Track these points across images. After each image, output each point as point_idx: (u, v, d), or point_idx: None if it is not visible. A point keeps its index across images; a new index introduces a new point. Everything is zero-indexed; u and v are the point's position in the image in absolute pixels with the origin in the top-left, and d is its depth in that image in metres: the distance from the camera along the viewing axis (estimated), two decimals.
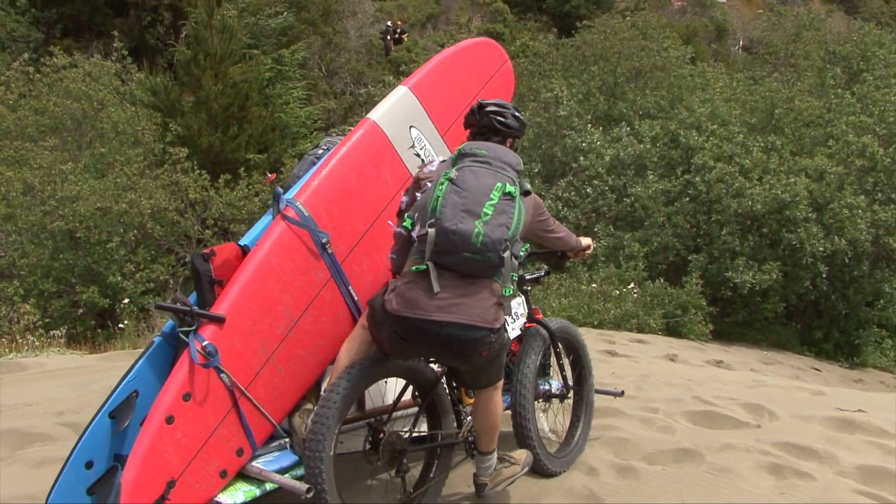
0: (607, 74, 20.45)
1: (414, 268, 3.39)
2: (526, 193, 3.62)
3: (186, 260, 12.90)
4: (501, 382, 3.76)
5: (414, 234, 3.52)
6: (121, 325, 10.42)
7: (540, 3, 34.67)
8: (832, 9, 37.38)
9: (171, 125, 14.50)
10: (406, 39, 29.68)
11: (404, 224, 3.63)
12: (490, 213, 3.34)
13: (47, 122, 15.13)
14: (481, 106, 3.90)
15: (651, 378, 7.10)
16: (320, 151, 4.76)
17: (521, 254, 3.84)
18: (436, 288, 3.31)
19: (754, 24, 34.80)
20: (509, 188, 3.42)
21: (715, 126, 16.96)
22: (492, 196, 3.37)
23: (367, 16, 29.79)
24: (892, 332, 16.95)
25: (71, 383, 5.89)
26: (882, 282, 15.78)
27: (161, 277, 12.14)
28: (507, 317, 3.74)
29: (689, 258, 15.66)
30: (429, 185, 3.69)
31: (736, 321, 15.94)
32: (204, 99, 14.85)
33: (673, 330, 13.71)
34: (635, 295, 13.77)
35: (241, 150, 14.84)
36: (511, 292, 3.61)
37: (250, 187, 13.54)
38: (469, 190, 3.38)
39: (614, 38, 21.63)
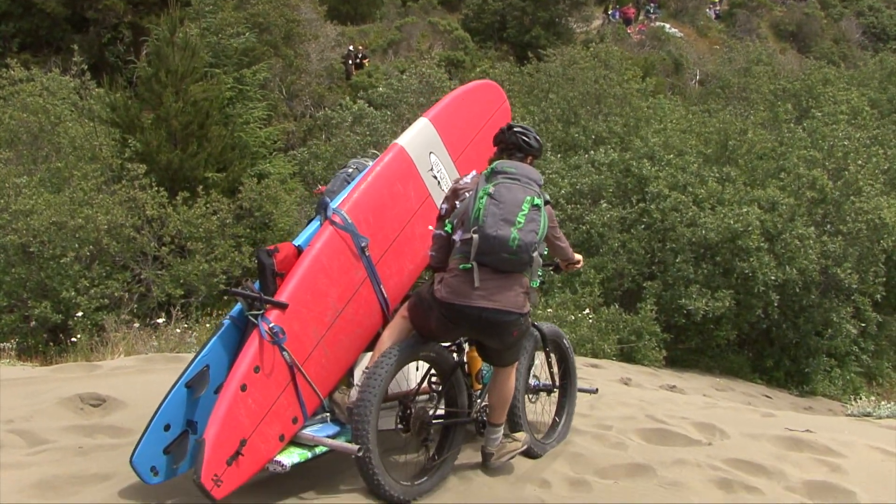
0: (562, 99, 20.67)
1: (461, 266, 4.15)
2: (546, 203, 4.33)
3: (142, 277, 12.77)
4: (517, 363, 4.63)
5: (456, 238, 4.32)
6: (73, 339, 10.26)
7: (500, 33, 35.12)
8: (786, 46, 38.30)
9: (129, 141, 14.36)
10: (367, 64, 29.81)
11: (445, 228, 4.43)
12: (522, 221, 4.11)
13: (2, 134, 14.93)
14: (510, 127, 4.65)
15: (605, 398, 7.16)
16: (350, 170, 5.42)
17: (545, 253, 4.50)
18: (476, 283, 4.10)
19: (708, 59, 35.52)
20: (536, 200, 4.20)
21: (671, 156, 17.24)
22: (523, 207, 4.14)
23: (329, 40, 29.85)
24: (840, 362, 17.25)
25: (21, 393, 5.79)
26: (830, 311, 16.07)
27: (116, 293, 11.99)
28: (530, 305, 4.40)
29: (644, 285, 15.84)
30: (466, 195, 4.40)
31: (689, 348, 16.13)
32: (164, 116, 14.71)
33: (627, 356, 13.83)
34: (590, 321, 13.87)
35: (199, 168, 14.69)
36: (537, 284, 4.43)
37: (208, 205, 13.46)
38: (505, 202, 4.14)
39: (575, 68, 21.94)
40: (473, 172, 4.67)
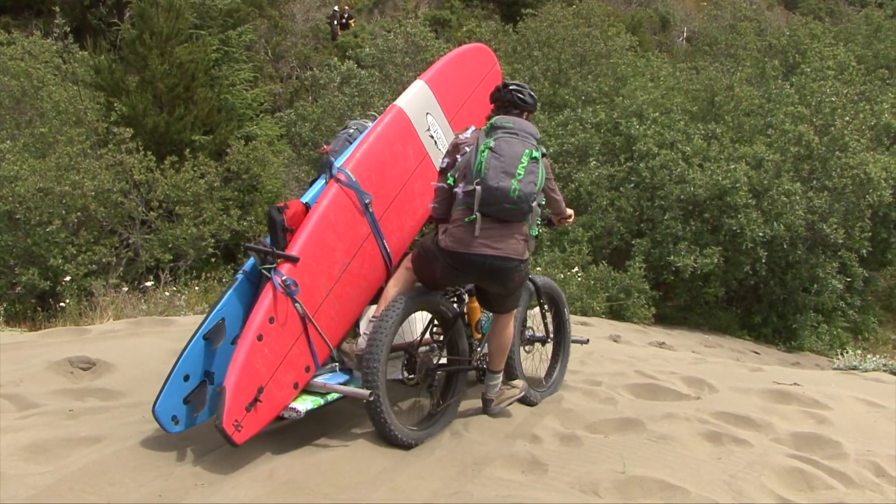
0: (551, 60, 20.59)
1: (466, 219, 4.39)
2: (543, 156, 4.54)
3: (130, 241, 12.71)
4: (515, 311, 4.86)
5: (458, 190, 4.53)
6: (62, 305, 10.22)
7: None
8: (773, 2, 38.00)
9: (115, 105, 14.19)
10: (353, 25, 29.43)
11: (447, 181, 4.64)
12: (522, 173, 4.35)
13: None
14: (505, 85, 4.84)
15: (595, 355, 7.23)
16: (351, 130, 5.60)
17: (542, 203, 4.76)
18: (477, 232, 4.35)
19: (695, 16, 35.24)
20: (534, 153, 4.44)
21: (657, 114, 17.19)
22: (522, 160, 4.38)
23: (314, 0, 29.46)
24: (827, 317, 17.39)
25: (10, 358, 5.78)
26: (817, 267, 16.17)
27: (104, 259, 11.93)
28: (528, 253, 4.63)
29: (633, 243, 15.88)
30: (467, 149, 4.62)
31: (678, 305, 16.24)
32: (149, 78, 14.52)
33: (616, 313, 13.90)
34: (579, 279, 13.91)
35: (186, 131, 14.53)
36: (536, 233, 4.68)
37: (195, 169, 13.36)
38: (505, 156, 4.38)
39: (558, 26, 21.76)
40: (472, 128, 4.84)
